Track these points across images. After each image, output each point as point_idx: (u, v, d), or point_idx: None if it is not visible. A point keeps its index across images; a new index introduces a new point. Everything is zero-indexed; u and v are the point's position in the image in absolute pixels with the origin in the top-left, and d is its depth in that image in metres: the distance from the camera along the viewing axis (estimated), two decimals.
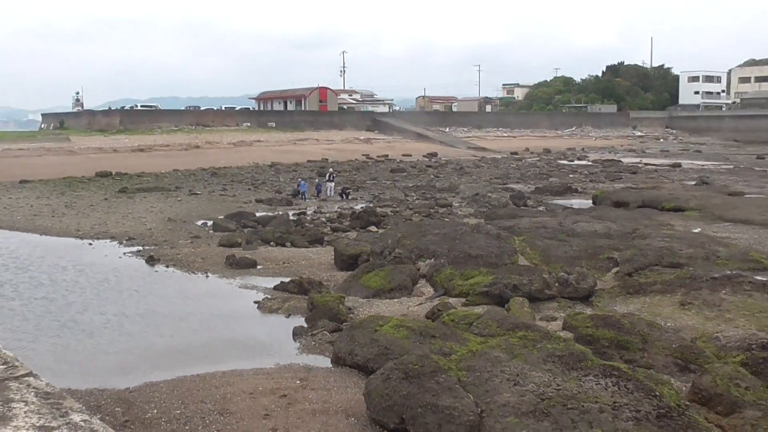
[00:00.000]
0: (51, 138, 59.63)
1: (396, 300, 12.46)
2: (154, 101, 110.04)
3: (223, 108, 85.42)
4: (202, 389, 8.48)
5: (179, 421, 7.58)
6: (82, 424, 2.55)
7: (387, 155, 53.30)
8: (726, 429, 6.86)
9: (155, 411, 7.88)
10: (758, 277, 12.11)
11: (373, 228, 20.42)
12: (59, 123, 74.30)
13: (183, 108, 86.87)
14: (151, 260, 16.27)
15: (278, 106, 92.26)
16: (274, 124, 72.34)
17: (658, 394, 7.01)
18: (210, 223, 21.87)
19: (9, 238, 19.82)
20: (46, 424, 2.51)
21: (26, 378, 2.91)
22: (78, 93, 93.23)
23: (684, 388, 7.90)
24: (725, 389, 7.46)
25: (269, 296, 13.06)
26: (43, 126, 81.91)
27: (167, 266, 15.82)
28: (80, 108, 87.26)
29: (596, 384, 7.19)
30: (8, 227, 21.48)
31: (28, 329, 11.38)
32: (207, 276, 14.91)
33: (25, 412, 2.59)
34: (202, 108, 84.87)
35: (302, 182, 30.86)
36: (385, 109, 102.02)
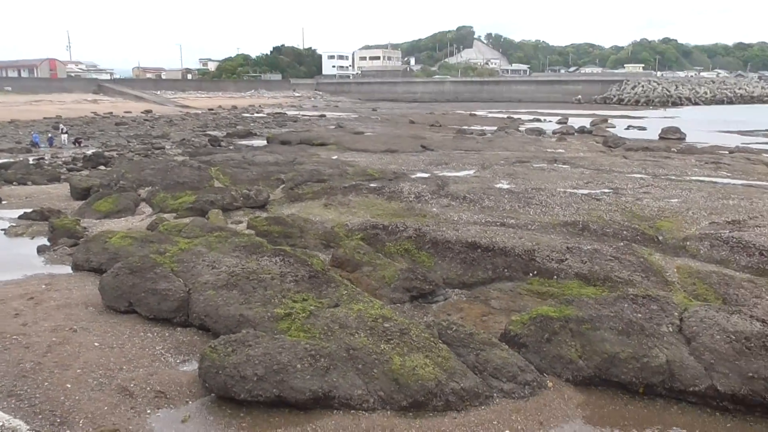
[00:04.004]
0: None
1: (123, 219, 11.54)
2: None
3: None
4: None
5: None
6: None
7: (111, 113, 48.10)
8: (352, 279, 7.44)
9: None
10: (371, 185, 13.08)
11: (102, 167, 18.53)
12: None
13: None
14: None
15: (12, 74, 78.79)
16: (10, 89, 61.63)
17: (310, 263, 7.34)
18: None
19: None
20: None
21: None
22: None
23: (327, 259, 8.35)
24: (351, 256, 8.06)
25: (14, 224, 11.38)
26: None
27: None
28: None
29: (269, 262, 7.33)
30: None
31: None
32: None
33: None
34: None
35: (35, 134, 26.86)
36: (107, 76, 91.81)
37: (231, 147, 22.63)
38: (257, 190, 12.29)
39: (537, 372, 5.28)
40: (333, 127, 33.27)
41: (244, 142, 25.60)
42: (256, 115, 49.53)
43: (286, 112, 52.02)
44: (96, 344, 5.88)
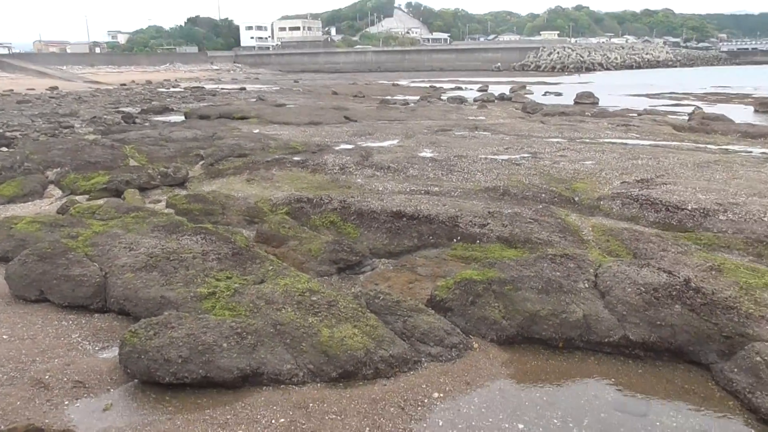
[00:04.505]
0: None
1: (30, 203, 10.85)
2: None
3: None
4: None
5: None
6: None
7: (12, 90, 44.87)
8: (278, 255, 7.33)
9: None
10: (295, 158, 12.89)
11: (4, 149, 17.29)
12: None
13: None
14: None
15: None
16: None
17: (233, 240, 7.19)
18: None
19: None
20: None
21: None
22: None
23: (251, 235, 8.20)
24: (276, 231, 7.94)
25: None
26: None
27: None
28: None
29: (190, 241, 7.13)
30: None
31: None
32: None
33: None
34: None
35: None
36: (5, 51, 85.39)
37: (147, 123, 21.64)
38: (176, 168, 11.85)
39: (463, 334, 5.40)
40: (254, 100, 32.44)
41: (160, 118, 24.53)
42: (172, 89, 47.54)
43: (205, 86, 50.21)
44: (5, 337, 5.55)
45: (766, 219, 7.82)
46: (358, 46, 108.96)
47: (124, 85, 54.02)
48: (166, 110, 28.23)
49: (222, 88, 47.06)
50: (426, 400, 4.59)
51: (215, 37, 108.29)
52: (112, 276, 6.31)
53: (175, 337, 4.90)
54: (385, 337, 5.18)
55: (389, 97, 33.18)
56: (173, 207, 9.45)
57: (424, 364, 5.08)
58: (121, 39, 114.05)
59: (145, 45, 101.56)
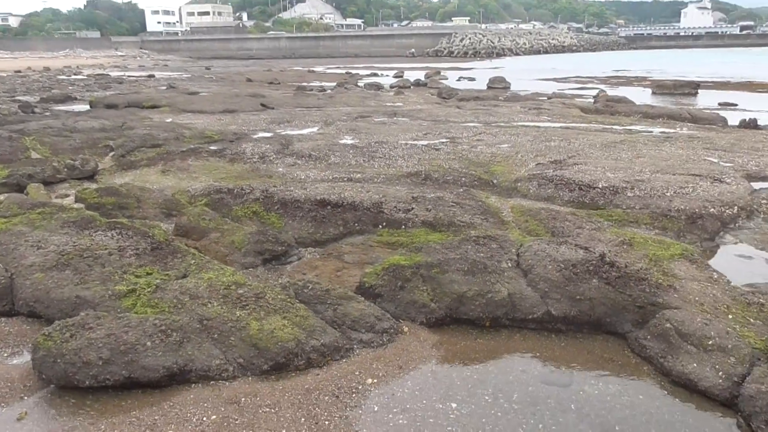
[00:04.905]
0: None
1: None
2: None
3: None
4: None
5: None
6: None
7: None
8: (200, 248, 7.10)
9: None
10: (211, 147, 12.50)
11: None
12: None
13: None
14: None
15: None
16: None
17: (151, 234, 6.89)
18: None
19: None
20: None
21: None
22: None
23: (170, 228, 7.89)
24: (196, 223, 7.68)
25: None
26: None
27: None
28: None
29: (105, 236, 6.77)
30: None
31: None
32: None
33: None
34: None
35: None
36: None
37: (48, 113, 20.31)
38: (83, 160, 11.20)
39: (393, 319, 5.44)
40: (164, 87, 31.15)
41: (62, 107, 23.09)
42: (74, 77, 44.83)
43: (110, 73, 47.71)
44: None
45: (668, 194, 8.34)
46: (271, 32, 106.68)
47: (19, 72, 50.44)
48: (68, 99, 26.60)
49: (129, 76, 44.86)
50: (360, 387, 4.60)
51: (118, 21, 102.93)
52: (20, 277, 5.90)
53: (93, 338, 4.65)
54: (315, 326, 5.13)
55: (306, 84, 32.80)
56: (83, 201, 8.93)
57: (357, 351, 5.08)
58: (13, 22, 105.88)
59: (40, 29, 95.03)
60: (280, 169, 10.58)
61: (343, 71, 49.50)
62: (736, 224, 7.80)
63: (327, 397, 4.47)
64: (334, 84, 33.53)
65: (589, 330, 5.38)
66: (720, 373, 4.43)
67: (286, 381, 4.69)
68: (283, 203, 8.24)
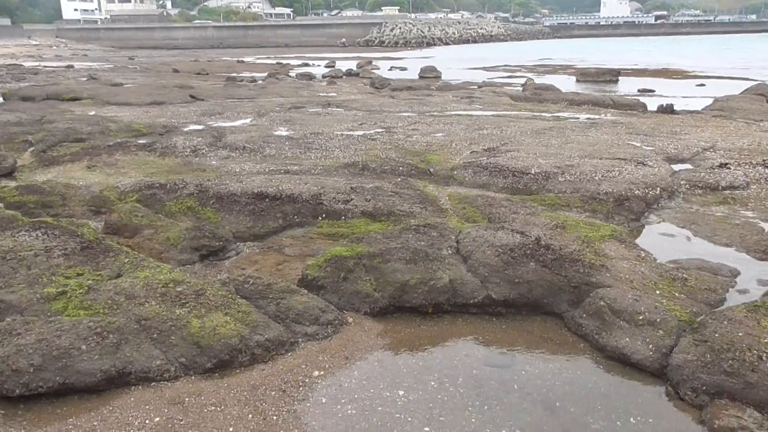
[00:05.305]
0: None
1: None
2: None
3: None
4: None
5: None
6: None
7: None
8: (133, 246, 6.86)
9: None
10: (140, 141, 12.06)
11: None
12: None
13: None
14: None
15: None
16: None
17: (80, 233, 6.59)
18: None
19: None
20: None
21: None
22: None
23: (99, 226, 7.58)
24: (128, 220, 7.40)
25: None
26: None
27: None
28: None
29: (29, 237, 6.42)
30: None
31: None
32: None
33: None
34: None
35: None
36: None
37: None
38: (0, 156, 10.56)
39: (337, 311, 5.43)
40: (85, 79, 29.70)
41: None
42: None
43: (23, 64, 44.99)
44: None
45: (597, 178, 8.69)
46: (197, 21, 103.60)
47: None
48: None
49: (45, 66, 42.46)
50: (307, 380, 4.58)
51: (31, 8, 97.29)
52: None
53: (23, 345, 4.42)
54: (259, 321, 5.06)
55: (236, 75, 32.10)
56: (2, 200, 8.40)
57: (302, 344, 5.05)
58: None
59: None
60: (214, 163, 10.33)
61: (274, 61, 48.70)
62: (659, 204, 8.22)
63: (274, 392, 4.43)
64: (266, 74, 32.95)
65: (528, 312, 5.54)
66: (650, 346, 4.67)
67: (230, 378, 4.60)
68: (219, 197, 8.05)
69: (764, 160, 9.82)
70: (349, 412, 4.23)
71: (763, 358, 4.16)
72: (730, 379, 4.14)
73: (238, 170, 9.68)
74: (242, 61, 48.88)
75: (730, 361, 4.21)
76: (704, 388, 4.20)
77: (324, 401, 4.34)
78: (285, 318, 5.24)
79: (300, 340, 5.09)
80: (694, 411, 4.16)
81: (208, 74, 33.92)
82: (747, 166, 9.58)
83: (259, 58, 55.44)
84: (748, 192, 8.57)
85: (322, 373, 4.68)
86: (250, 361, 4.80)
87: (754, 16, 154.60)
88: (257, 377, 4.61)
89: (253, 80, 29.44)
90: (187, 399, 4.34)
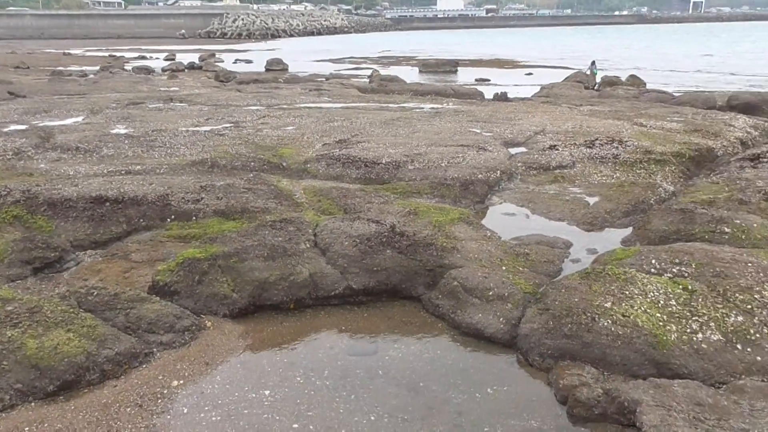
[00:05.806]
0: None
1: None
2: None
3: None
4: None
5: None
6: None
7: None
8: None
9: None
10: None
11: None
12: None
13: None
14: None
15: None
16: None
17: None
18: None
19: None
20: None
21: None
22: None
23: None
24: None
25: None
26: None
27: None
28: None
29: None
30: None
31: None
32: None
33: None
34: None
35: None
36: None
37: None
38: None
39: (194, 315, 5.19)
40: None
41: None
42: None
43: None
44: None
45: (443, 165, 9.10)
46: (11, 8, 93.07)
47: None
48: None
49: None
50: (165, 391, 4.33)
51: None
52: None
53: None
54: (107, 335, 4.69)
55: (63, 68, 29.39)
56: None
57: (157, 354, 4.77)
58: None
59: None
60: (42, 165, 9.36)
61: (107, 54, 45.20)
62: (500, 186, 8.80)
63: (129, 408, 4.13)
64: (97, 68, 30.51)
65: (387, 298, 5.68)
66: (501, 319, 5.00)
67: (78, 399, 4.22)
68: (50, 203, 7.30)
69: (586, 141, 10.88)
70: (213, 419, 4.06)
71: (596, 319, 4.62)
72: (570, 341, 4.55)
73: (72, 173, 8.85)
74: (69, 54, 44.82)
75: (569, 325, 4.62)
76: (549, 352, 4.58)
77: (185, 411, 4.13)
78: (137, 329, 4.91)
79: (155, 350, 4.80)
80: (542, 374, 4.53)
81: (28, 68, 30.67)
82: (572, 147, 10.54)
83: (88, 51, 51.16)
84: (574, 170, 9.44)
85: (181, 382, 4.45)
86: (100, 378, 4.43)
87: (569, 11, 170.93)
88: (109, 395, 4.28)
89: (84, 74, 27.12)
90: (27, 429, 3.92)
